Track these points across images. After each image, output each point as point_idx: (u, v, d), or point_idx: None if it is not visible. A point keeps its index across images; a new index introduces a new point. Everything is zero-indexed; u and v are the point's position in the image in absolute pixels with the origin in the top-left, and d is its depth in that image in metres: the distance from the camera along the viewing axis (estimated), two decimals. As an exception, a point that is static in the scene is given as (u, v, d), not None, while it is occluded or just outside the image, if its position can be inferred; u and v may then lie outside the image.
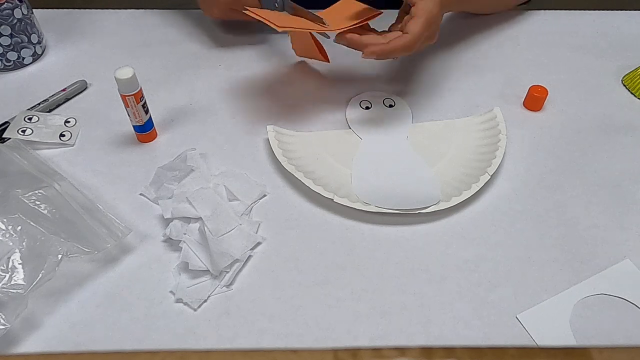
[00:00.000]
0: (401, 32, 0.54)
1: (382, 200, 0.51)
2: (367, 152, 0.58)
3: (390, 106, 0.63)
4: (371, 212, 0.51)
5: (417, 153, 0.57)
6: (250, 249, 0.49)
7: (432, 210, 0.51)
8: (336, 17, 0.57)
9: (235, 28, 0.75)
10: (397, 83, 0.67)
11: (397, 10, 0.60)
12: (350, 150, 0.58)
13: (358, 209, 0.51)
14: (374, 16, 0.57)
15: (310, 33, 0.63)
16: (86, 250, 0.46)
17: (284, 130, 0.58)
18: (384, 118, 0.62)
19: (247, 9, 0.55)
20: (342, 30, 0.55)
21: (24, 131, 0.58)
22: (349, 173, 0.55)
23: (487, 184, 0.54)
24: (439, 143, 0.59)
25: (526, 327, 0.44)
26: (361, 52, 0.54)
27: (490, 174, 0.54)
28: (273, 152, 0.55)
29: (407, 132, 0.60)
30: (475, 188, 0.53)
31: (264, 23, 0.53)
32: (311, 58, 0.69)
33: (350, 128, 0.60)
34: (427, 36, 0.56)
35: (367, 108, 0.63)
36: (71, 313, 0.45)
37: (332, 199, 0.51)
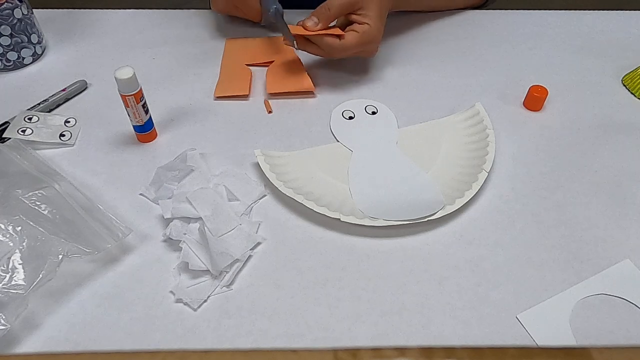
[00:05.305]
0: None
1: (388, 213, 0.50)
2: (361, 165, 0.56)
3: (373, 113, 0.62)
4: (380, 226, 0.50)
5: (410, 158, 0.57)
6: (250, 249, 0.49)
7: (440, 216, 0.50)
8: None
9: (235, 28, 0.75)
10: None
11: None
12: (343, 164, 0.56)
13: (367, 226, 0.50)
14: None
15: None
16: (86, 250, 0.46)
17: (272, 152, 0.56)
18: (370, 126, 0.61)
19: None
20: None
21: (24, 131, 0.58)
22: (347, 188, 0.54)
23: (487, 184, 0.55)
24: (429, 145, 0.59)
25: (526, 327, 0.44)
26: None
27: (487, 171, 0.54)
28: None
29: (395, 137, 0.59)
30: (476, 187, 0.52)
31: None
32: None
33: (338, 141, 0.59)
34: (362, 51, 0.63)
35: (351, 118, 0.62)
36: (71, 313, 0.45)
37: (339, 219, 0.50)
